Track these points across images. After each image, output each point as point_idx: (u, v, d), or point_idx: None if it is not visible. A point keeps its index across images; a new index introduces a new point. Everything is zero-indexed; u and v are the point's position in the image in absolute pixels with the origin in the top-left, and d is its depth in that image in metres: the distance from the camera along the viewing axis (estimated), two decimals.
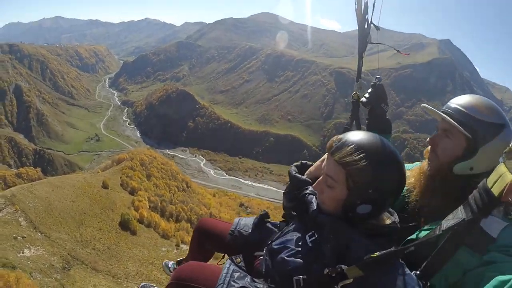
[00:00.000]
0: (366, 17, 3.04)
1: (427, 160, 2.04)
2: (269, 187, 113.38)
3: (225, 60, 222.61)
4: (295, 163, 2.18)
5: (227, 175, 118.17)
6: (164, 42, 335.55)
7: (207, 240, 2.70)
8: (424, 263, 1.58)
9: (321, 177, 1.76)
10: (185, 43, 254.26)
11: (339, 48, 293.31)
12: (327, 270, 1.52)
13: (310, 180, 1.91)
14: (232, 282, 1.98)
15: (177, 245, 24.35)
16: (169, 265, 3.31)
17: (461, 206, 1.54)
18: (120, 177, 37.46)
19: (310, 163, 2.12)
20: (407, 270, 1.50)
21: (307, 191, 1.85)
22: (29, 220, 25.30)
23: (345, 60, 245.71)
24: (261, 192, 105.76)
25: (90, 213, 28.54)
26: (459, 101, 1.86)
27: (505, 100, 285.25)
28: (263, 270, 1.97)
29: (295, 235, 1.81)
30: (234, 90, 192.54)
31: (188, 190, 43.28)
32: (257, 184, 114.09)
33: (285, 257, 1.73)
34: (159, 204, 34.62)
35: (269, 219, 2.44)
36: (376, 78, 2.56)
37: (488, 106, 1.75)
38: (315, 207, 1.75)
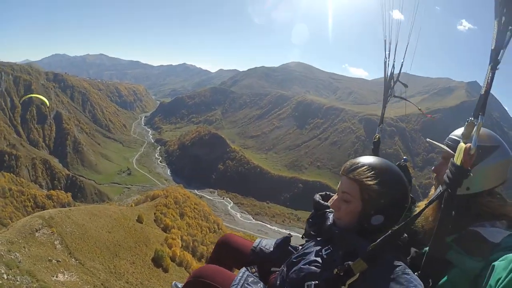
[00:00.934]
0: (393, 73, 3.54)
1: (433, 187, 2.29)
2: (296, 234, 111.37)
3: (257, 106, 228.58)
4: (320, 193, 2.42)
5: (253, 220, 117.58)
6: (199, 86, 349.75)
7: (228, 255, 2.83)
8: (423, 263, 1.81)
9: (337, 196, 2.00)
10: (219, 89, 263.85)
11: (367, 96, 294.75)
12: (336, 270, 1.69)
13: (329, 205, 2.09)
14: (246, 285, 2.17)
15: None
16: (179, 286, 3.33)
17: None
18: (154, 213, 37.98)
19: (333, 194, 2.25)
20: (409, 270, 1.64)
21: (327, 210, 2.15)
22: (64, 245, 25.47)
23: (373, 107, 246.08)
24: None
25: (124, 245, 28.64)
26: (456, 132, 2.12)
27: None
28: (278, 282, 2.12)
29: (313, 249, 2.01)
30: (265, 136, 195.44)
31: (220, 232, 43.43)
32: (283, 230, 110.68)
33: (301, 266, 1.93)
34: (191, 244, 34.89)
35: (290, 243, 2.60)
36: (403, 159, 2.75)
37: (480, 132, 1.82)
38: (331, 221, 2.02)
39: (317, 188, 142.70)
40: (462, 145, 1.64)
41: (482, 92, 1.59)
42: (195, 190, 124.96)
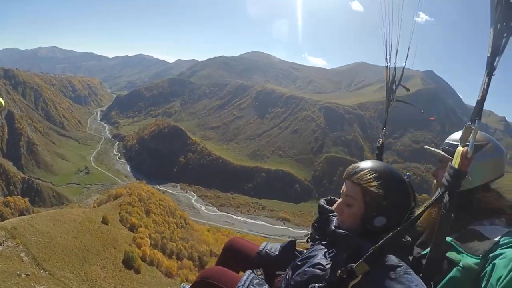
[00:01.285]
0: (394, 78, 3.72)
1: (433, 189, 2.41)
2: (262, 222, 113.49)
3: (216, 97, 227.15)
4: (325, 197, 2.47)
5: (218, 211, 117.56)
6: (156, 78, 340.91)
7: (234, 258, 2.91)
8: (425, 264, 1.88)
9: (340, 200, 2.10)
10: (178, 80, 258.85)
11: (327, 84, 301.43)
12: (339, 272, 1.73)
13: (333, 209, 2.17)
14: (251, 286, 2.27)
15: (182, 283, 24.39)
16: (187, 287, 3.39)
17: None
18: (119, 213, 36.86)
19: (338, 198, 2.31)
20: (410, 270, 1.70)
21: (331, 214, 2.21)
22: (31, 256, 24.24)
23: (332, 95, 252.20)
24: (254, 228, 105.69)
25: (92, 250, 27.38)
26: (451, 136, 2.27)
27: (489, 123, 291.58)
28: (283, 284, 2.18)
29: (317, 252, 2.07)
30: (225, 126, 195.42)
31: (187, 227, 42.92)
32: (249, 220, 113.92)
33: (305, 269, 1.99)
34: (160, 241, 34.35)
35: (296, 246, 2.67)
36: (407, 175, 2.74)
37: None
38: (335, 224, 2.09)
39: (279, 176, 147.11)
40: (460, 149, 1.70)
41: (479, 97, 1.64)
42: (157, 185, 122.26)
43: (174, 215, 45.96)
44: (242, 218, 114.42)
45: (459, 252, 1.88)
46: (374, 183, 1.92)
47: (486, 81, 1.64)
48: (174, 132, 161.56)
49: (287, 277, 2.16)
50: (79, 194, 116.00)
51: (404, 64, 3.66)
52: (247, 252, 2.84)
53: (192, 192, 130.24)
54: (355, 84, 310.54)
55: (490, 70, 1.61)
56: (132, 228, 35.21)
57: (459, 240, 1.93)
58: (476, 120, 1.62)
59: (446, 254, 1.90)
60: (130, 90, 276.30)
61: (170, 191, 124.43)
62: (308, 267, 2.01)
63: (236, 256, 2.89)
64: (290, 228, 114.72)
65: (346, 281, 1.73)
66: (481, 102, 1.63)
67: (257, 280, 2.35)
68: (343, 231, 1.99)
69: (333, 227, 2.06)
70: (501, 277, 1.55)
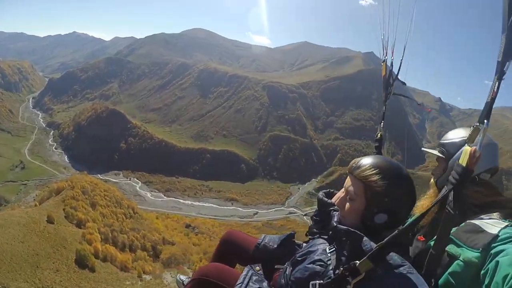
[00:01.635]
0: (391, 72, 3.86)
1: (430, 186, 2.61)
2: (210, 204, 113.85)
3: (157, 76, 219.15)
4: (324, 190, 2.46)
5: (165, 197, 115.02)
6: (92, 57, 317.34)
7: (232, 252, 2.96)
8: (427, 260, 1.95)
9: (342, 194, 2.13)
10: (115, 59, 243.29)
11: (270, 63, 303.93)
12: (342, 269, 1.77)
13: (334, 203, 2.18)
14: (250, 283, 2.27)
15: (139, 276, 23.55)
16: (183, 278, 3.43)
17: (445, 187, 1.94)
18: (64, 209, 34.94)
19: (337, 191, 2.35)
20: (413, 269, 1.74)
21: (332, 208, 2.15)
22: None
23: (275, 74, 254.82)
24: (203, 211, 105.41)
25: (42, 253, 25.59)
26: (446, 136, 2.41)
27: (426, 103, 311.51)
28: (282, 280, 2.20)
29: (317, 248, 2.07)
30: (167, 108, 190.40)
31: (136, 216, 41.77)
32: (197, 203, 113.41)
33: (306, 265, 2.00)
34: (110, 235, 33.18)
35: (294, 239, 2.68)
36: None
37: (455, 130, 2.23)
38: (336, 219, 2.04)
39: (225, 157, 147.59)
40: (467, 148, 1.73)
41: (488, 99, 1.67)
42: (98, 175, 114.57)
43: (121, 205, 44.62)
44: (189, 202, 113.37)
45: (458, 246, 1.91)
46: (376, 178, 1.92)
47: (497, 84, 1.68)
48: (112, 116, 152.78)
49: (287, 272, 2.16)
50: (17, 193, 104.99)
51: (401, 59, 3.84)
52: (245, 245, 2.87)
53: (135, 179, 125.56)
54: (298, 64, 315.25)
55: (500, 74, 1.65)
56: (80, 224, 33.77)
57: (458, 234, 1.96)
58: (485, 121, 1.66)
59: (446, 249, 1.93)
60: (64, 72, 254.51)
61: (113, 180, 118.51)
62: (309, 263, 2.00)
63: (233, 249, 2.94)
64: (239, 208, 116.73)
65: (349, 278, 1.73)
66: (490, 104, 1.67)
67: (256, 277, 2.35)
68: (345, 227, 1.95)
69: (335, 223, 2.02)
70: (507, 275, 1.58)
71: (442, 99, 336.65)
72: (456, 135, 2.35)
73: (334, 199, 2.20)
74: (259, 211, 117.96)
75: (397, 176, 1.96)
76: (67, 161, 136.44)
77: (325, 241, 2.11)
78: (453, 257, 1.92)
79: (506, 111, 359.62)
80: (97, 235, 33.02)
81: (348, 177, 2.11)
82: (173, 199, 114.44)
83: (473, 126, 1.76)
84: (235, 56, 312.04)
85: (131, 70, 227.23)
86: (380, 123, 3.68)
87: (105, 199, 44.17)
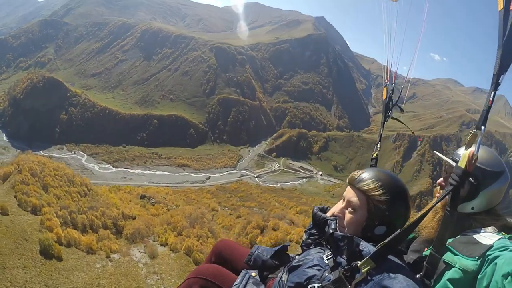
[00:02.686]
0: (392, 97, 4.09)
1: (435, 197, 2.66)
2: (161, 172, 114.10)
3: (96, 38, 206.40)
4: (318, 206, 2.54)
5: (114, 168, 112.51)
6: (25, 21, 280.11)
7: (224, 262, 2.97)
8: (425, 264, 2.05)
9: (343, 204, 2.24)
10: (50, 21, 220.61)
11: (218, 23, 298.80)
12: (343, 270, 1.86)
13: (330, 217, 2.26)
14: (248, 285, 2.43)
15: (108, 257, 23.97)
16: None
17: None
18: (15, 196, 33.41)
19: (331, 207, 2.45)
20: (411, 273, 1.86)
21: (328, 217, 2.26)
22: None
23: (223, 35, 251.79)
24: (154, 179, 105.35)
25: (5, 251, 23.85)
26: (459, 149, 2.45)
27: (372, 70, 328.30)
28: (278, 287, 2.26)
29: (314, 256, 2.15)
30: (108, 72, 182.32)
31: (91, 193, 40.94)
32: (148, 172, 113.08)
33: (304, 269, 2.08)
34: (69, 217, 32.56)
35: (287, 252, 2.70)
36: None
37: (490, 157, 2.25)
38: (333, 226, 2.15)
39: (173, 122, 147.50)
40: (466, 152, 1.88)
41: (485, 107, 1.86)
42: (41, 152, 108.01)
43: (74, 183, 43.21)
44: (140, 171, 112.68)
45: (455, 255, 2.02)
46: (379, 193, 2.03)
47: (492, 94, 1.85)
48: (50, 85, 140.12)
49: (283, 278, 2.23)
50: None
51: (401, 88, 4.39)
52: (237, 256, 2.96)
53: (81, 152, 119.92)
54: (247, 24, 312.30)
55: (496, 85, 1.83)
56: (35, 211, 32.29)
57: (454, 244, 2.08)
58: (482, 127, 1.81)
59: (443, 258, 2.04)
60: None
61: (56, 155, 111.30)
62: (307, 267, 2.07)
63: (226, 259, 2.99)
64: (191, 174, 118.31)
65: (349, 280, 1.82)
66: (487, 112, 1.84)
67: (254, 280, 2.48)
68: (342, 233, 2.06)
69: (331, 230, 2.10)
70: (506, 273, 1.68)
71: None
72: (490, 160, 2.34)
73: (329, 213, 2.31)
74: (211, 175, 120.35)
75: (398, 191, 2.08)
76: (6, 140, 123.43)
77: (321, 250, 2.19)
78: (449, 265, 2.01)
79: (449, 83, 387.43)
80: (56, 220, 31.80)
81: (349, 188, 2.20)
82: (123, 169, 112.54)
83: (471, 132, 1.86)
84: (180, 15, 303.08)
85: (67, 33, 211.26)
86: (377, 144, 3.96)
87: (56, 179, 42.15)
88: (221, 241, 3.14)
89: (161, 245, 23.78)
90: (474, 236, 2.11)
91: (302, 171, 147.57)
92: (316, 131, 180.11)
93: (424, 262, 2.07)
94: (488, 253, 1.91)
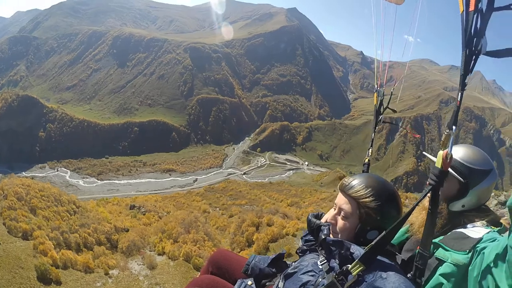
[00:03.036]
0: (382, 101, 4.08)
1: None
2: (148, 179, 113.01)
3: (67, 50, 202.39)
4: (313, 213, 2.55)
5: (99, 181, 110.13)
6: None
7: (220, 271, 3.00)
8: (415, 262, 2.12)
9: (335, 211, 2.29)
10: (19, 38, 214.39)
11: (189, 23, 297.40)
12: (335, 274, 1.90)
13: (324, 223, 2.29)
14: None
15: (107, 274, 23.44)
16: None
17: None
18: (4, 223, 32.85)
19: (325, 213, 2.48)
20: (401, 271, 1.89)
21: (322, 223, 2.29)
22: None
23: (196, 34, 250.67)
24: (141, 187, 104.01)
25: (2, 282, 23.63)
26: (457, 153, 2.46)
27: (348, 57, 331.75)
28: None
29: (309, 261, 2.20)
30: (83, 84, 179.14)
31: (80, 210, 40.52)
32: (134, 181, 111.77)
33: (299, 275, 2.12)
34: (61, 238, 31.97)
35: (284, 259, 2.75)
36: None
37: (479, 156, 2.36)
38: (326, 232, 2.18)
39: (154, 128, 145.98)
40: (441, 152, 1.93)
41: (455, 109, 1.93)
42: (23, 173, 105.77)
43: (62, 202, 42.56)
44: (125, 181, 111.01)
45: (446, 251, 2.11)
46: (370, 199, 2.08)
47: (460, 95, 1.92)
48: (25, 104, 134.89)
49: (279, 285, 2.27)
50: None
51: (391, 91, 4.37)
52: (234, 264, 2.99)
53: (63, 168, 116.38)
54: (220, 22, 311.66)
55: (462, 86, 1.89)
56: (26, 236, 31.49)
57: (445, 241, 2.18)
58: (453, 127, 1.89)
59: (435, 254, 2.14)
60: None
61: (39, 175, 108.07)
62: (302, 274, 2.12)
63: (222, 269, 3.01)
64: (178, 178, 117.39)
65: (341, 283, 1.85)
66: (456, 112, 1.90)
67: None
68: (334, 238, 2.12)
69: (323, 235, 2.15)
70: (492, 260, 1.80)
71: (363, 52, 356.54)
72: (479, 159, 2.44)
73: (323, 220, 2.35)
74: (198, 177, 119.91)
75: (388, 196, 2.12)
76: None
77: (316, 256, 2.23)
78: (441, 261, 2.10)
79: (424, 63, 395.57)
80: (48, 242, 30.84)
81: (340, 194, 2.26)
82: (108, 181, 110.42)
83: (444, 133, 1.92)
84: (150, 18, 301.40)
85: (37, 48, 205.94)
86: (369, 149, 4.00)
87: (44, 200, 41.12)
88: (218, 251, 3.18)
89: (159, 254, 23.60)
90: (463, 231, 2.19)
91: (288, 163, 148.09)
92: (298, 122, 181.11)
93: (414, 262, 2.12)
94: (477, 245, 2.00)
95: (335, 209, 2.29)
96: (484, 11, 1.81)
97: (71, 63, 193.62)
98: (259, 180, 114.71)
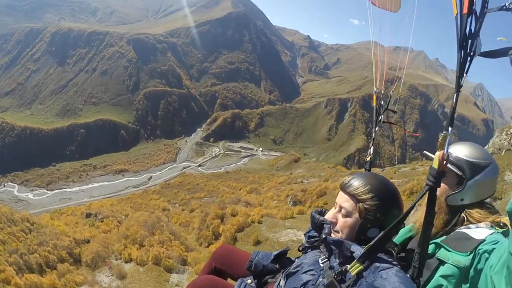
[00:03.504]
0: (382, 103, 4.18)
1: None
2: (100, 183, 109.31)
3: (3, 52, 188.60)
4: (317, 209, 2.58)
5: (49, 191, 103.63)
6: None
7: (224, 267, 3.04)
8: (413, 260, 2.12)
9: (335, 209, 2.31)
10: None
11: (131, 13, 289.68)
12: (334, 275, 1.95)
13: (327, 219, 2.31)
14: None
15: None
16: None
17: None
18: None
19: (328, 210, 2.48)
20: (401, 271, 1.90)
21: (323, 222, 2.30)
22: None
23: (139, 25, 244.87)
24: (95, 193, 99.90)
25: None
26: (455, 150, 2.49)
27: (295, 41, 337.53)
28: None
29: (310, 259, 2.25)
30: (22, 87, 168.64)
31: (35, 228, 39.12)
32: (86, 186, 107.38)
33: (300, 275, 2.16)
34: (21, 261, 30.68)
35: (287, 255, 2.78)
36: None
37: (476, 151, 2.39)
38: (327, 231, 2.22)
39: (101, 127, 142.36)
40: (438, 153, 1.96)
41: (450, 110, 2.00)
42: None
43: (15, 221, 40.98)
44: (77, 188, 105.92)
45: (448, 251, 2.12)
46: (369, 197, 2.11)
47: (455, 96, 1.96)
48: None
49: (280, 284, 2.31)
50: None
51: (390, 93, 4.44)
52: (238, 260, 3.03)
53: (10, 183, 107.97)
54: (163, 10, 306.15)
55: (458, 87, 1.95)
56: None
57: (447, 241, 2.18)
58: (449, 128, 1.93)
59: (436, 255, 2.16)
60: None
61: None
62: (303, 273, 2.15)
63: (226, 264, 3.06)
64: (131, 178, 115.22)
65: (341, 283, 1.90)
66: (452, 113, 1.95)
67: (250, 287, 2.59)
68: (334, 237, 2.16)
69: (324, 234, 2.19)
70: (492, 264, 1.83)
71: (310, 36, 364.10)
72: (476, 153, 2.48)
73: (326, 216, 2.37)
74: (152, 174, 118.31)
75: (388, 194, 2.15)
76: None
77: (318, 254, 2.28)
78: (442, 261, 2.11)
79: (370, 45, 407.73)
80: (9, 268, 29.08)
81: (341, 193, 2.29)
82: (59, 190, 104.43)
83: (441, 134, 1.96)
84: (90, 10, 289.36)
85: None
86: (370, 148, 4.09)
87: None
88: (221, 247, 3.24)
89: (126, 262, 23.01)
90: (466, 231, 2.19)
91: (243, 150, 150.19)
92: (249, 109, 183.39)
93: (412, 262, 2.13)
94: (479, 247, 2.01)
95: (335, 207, 2.32)
96: (478, 13, 1.84)
97: (7, 66, 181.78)
98: (215, 171, 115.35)
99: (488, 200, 2.43)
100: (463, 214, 2.36)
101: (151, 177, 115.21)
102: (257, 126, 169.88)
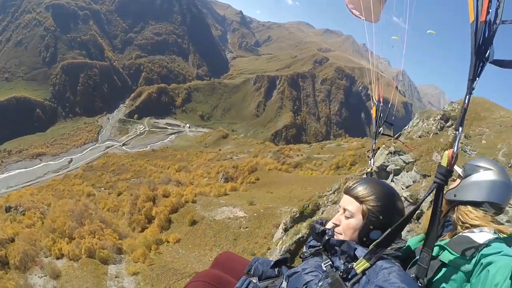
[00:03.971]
0: (381, 115, 4.32)
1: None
2: (17, 170, 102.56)
3: None
4: (317, 220, 2.78)
5: None
6: None
7: (225, 272, 3.03)
8: (418, 259, 2.19)
9: (339, 213, 2.39)
10: None
11: None
12: (339, 273, 2.02)
13: (328, 228, 2.36)
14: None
15: None
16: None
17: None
18: None
19: (329, 220, 2.51)
20: (403, 270, 1.97)
21: (326, 228, 2.36)
22: None
23: None
24: (12, 182, 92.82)
25: None
26: (471, 161, 2.59)
27: (227, 16, 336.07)
28: None
29: (313, 263, 2.28)
30: None
31: None
32: (1, 175, 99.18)
33: (302, 275, 2.21)
34: None
35: (288, 263, 2.81)
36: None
37: (482, 158, 2.54)
38: (330, 233, 2.30)
39: (14, 106, 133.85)
40: (446, 152, 2.04)
41: (462, 111, 2.04)
42: None
43: None
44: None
45: (451, 254, 2.17)
46: (372, 197, 2.21)
47: (467, 98, 2.04)
48: None
49: (282, 285, 2.37)
50: None
51: (389, 105, 4.72)
52: (238, 266, 3.07)
53: None
54: None
55: (470, 90, 2.02)
56: None
57: (450, 245, 2.24)
58: (460, 128, 2.02)
59: (439, 257, 2.23)
60: None
61: None
62: (305, 273, 2.21)
63: (227, 270, 3.08)
64: (50, 162, 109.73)
65: (346, 281, 1.99)
66: (463, 114, 2.03)
67: (254, 285, 2.63)
68: (338, 238, 2.27)
69: (327, 236, 2.27)
70: (497, 283, 1.82)
71: (243, 12, 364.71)
72: (479, 158, 2.63)
73: (328, 225, 2.44)
74: (73, 157, 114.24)
75: (390, 197, 2.25)
76: None
77: (320, 260, 2.30)
78: (445, 264, 2.18)
79: (302, 26, 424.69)
80: None
81: (345, 196, 2.38)
82: None
83: (452, 134, 2.05)
84: None
85: None
86: (370, 160, 4.32)
87: None
88: (223, 254, 3.35)
89: (57, 258, 22.00)
90: (470, 235, 2.24)
91: (169, 127, 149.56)
92: (176, 83, 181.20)
93: (417, 262, 2.20)
94: (482, 253, 2.04)
95: (338, 211, 2.43)
96: (492, 22, 1.92)
97: None
98: (141, 149, 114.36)
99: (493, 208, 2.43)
100: (456, 213, 2.45)
101: (71, 160, 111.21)
102: (184, 101, 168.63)
